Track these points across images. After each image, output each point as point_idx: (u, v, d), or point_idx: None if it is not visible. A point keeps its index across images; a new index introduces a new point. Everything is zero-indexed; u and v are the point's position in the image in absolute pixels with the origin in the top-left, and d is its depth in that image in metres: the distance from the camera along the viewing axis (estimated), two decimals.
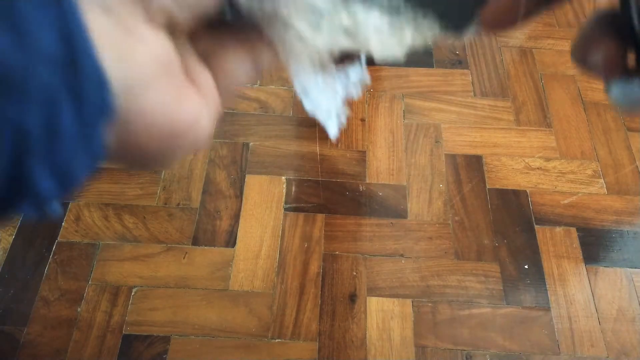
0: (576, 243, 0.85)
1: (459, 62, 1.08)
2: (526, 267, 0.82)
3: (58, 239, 0.83)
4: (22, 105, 0.12)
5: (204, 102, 0.18)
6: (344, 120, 0.24)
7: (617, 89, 0.19)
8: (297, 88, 0.22)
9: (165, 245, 0.83)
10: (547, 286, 0.81)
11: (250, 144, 0.95)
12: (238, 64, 0.19)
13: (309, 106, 0.23)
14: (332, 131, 0.24)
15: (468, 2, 0.20)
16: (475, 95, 1.03)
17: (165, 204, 0.87)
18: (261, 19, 0.19)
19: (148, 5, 0.14)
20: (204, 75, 0.18)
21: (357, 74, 0.23)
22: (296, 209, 0.87)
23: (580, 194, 0.90)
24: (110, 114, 0.13)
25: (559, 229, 0.86)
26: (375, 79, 1.05)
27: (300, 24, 0.18)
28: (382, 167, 0.92)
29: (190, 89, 0.17)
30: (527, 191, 0.90)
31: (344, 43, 0.19)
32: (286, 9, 0.18)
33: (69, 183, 0.13)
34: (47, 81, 0.12)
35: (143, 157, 0.16)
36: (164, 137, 0.15)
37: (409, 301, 0.79)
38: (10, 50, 0.11)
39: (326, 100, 0.23)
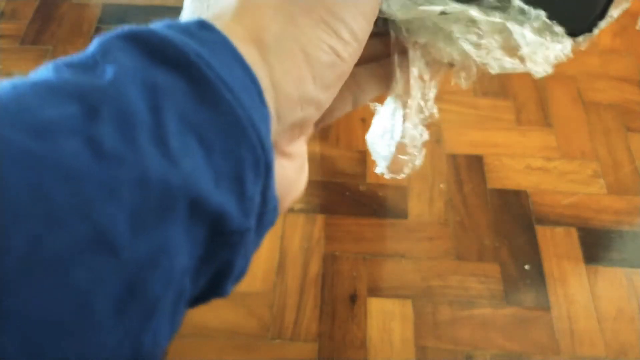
0: (576, 243, 0.85)
1: None
2: (526, 267, 0.82)
3: None
4: (232, 250, 0.14)
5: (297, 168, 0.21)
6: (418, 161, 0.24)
7: None
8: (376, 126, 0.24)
9: None
10: (547, 286, 0.81)
11: None
12: (341, 104, 0.22)
13: (371, 139, 0.24)
14: (379, 168, 0.24)
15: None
16: (475, 94, 1.03)
17: None
18: (410, 28, 0.20)
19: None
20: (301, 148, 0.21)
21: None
22: (296, 209, 0.87)
23: (580, 194, 0.90)
24: (273, 225, 0.17)
25: (559, 229, 0.86)
26: None
27: (462, 37, 0.20)
28: None
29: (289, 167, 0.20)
30: (528, 191, 0.90)
31: (499, 60, 0.21)
32: (447, 21, 0.19)
33: (238, 282, 0.17)
34: (250, 232, 0.15)
35: None
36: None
37: (409, 302, 0.79)
38: (236, 213, 0.14)
39: (388, 141, 0.24)
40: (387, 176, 0.24)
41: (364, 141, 0.95)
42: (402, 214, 0.87)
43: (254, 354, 0.74)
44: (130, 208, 0.11)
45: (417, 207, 0.88)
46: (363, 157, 0.94)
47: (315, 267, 0.81)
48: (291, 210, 0.87)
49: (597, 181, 0.92)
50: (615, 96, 1.03)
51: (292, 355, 0.74)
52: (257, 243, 0.16)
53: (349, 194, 0.89)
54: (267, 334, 0.76)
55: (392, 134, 0.23)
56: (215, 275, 0.15)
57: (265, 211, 0.15)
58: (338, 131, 0.96)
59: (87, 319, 0.11)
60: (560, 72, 1.06)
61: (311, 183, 0.91)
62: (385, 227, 0.86)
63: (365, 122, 0.98)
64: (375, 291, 0.80)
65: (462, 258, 0.83)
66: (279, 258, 0.82)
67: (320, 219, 0.86)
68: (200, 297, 0.15)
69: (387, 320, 0.77)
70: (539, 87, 1.04)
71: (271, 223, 0.16)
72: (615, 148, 0.96)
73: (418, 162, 0.24)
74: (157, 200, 0.11)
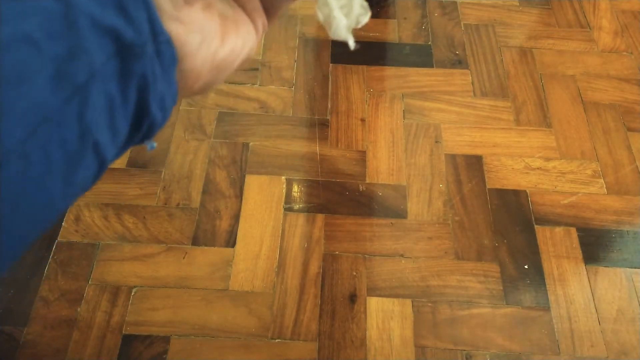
0: (576, 243, 0.85)
1: (459, 62, 1.08)
2: (526, 267, 0.82)
3: (58, 238, 0.83)
4: (141, 62, 0.19)
5: (244, 37, 0.25)
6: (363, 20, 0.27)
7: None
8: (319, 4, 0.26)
9: (165, 245, 0.83)
10: (547, 286, 0.81)
11: (250, 144, 0.95)
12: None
13: (322, 17, 0.26)
14: (351, 42, 0.26)
15: None
16: (475, 95, 1.03)
17: (165, 204, 0.87)
18: None
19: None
20: (242, 18, 0.25)
21: None
22: (296, 209, 0.87)
23: (580, 194, 0.90)
24: (176, 62, 0.21)
25: (558, 229, 0.86)
26: (375, 78, 1.05)
27: None
28: (382, 167, 0.92)
29: (232, 31, 0.24)
30: (527, 191, 0.90)
31: None
32: None
33: (165, 113, 0.21)
34: (148, 46, 0.19)
35: (200, 88, 0.24)
36: (213, 71, 0.23)
37: (408, 301, 0.79)
38: (128, 30, 0.18)
39: (342, 14, 0.26)
40: (351, 41, 0.27)
41: (363, 141, 0.95)
42: (402, 214, 0.87)
43: (254, 353, 0.74)
44: (42, 21, 0.16)
45: (416, 207, 0.88)
46: (363, 157, 0.94)
47: (315, 266, 0.82)
48: (291, 210, 0.87)
49: (597, 181, 0.92)
50: (615, 96, 1.03)
51: (292, 355, 0.74)
52: (168, 82, 0.20)
53: (348, 194, 0.89)
54: (267, 333, 0.76)
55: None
56: (139, 94, 0.19)
57: (159, 41, 0.19)
58: (338, 132, 0.97)
59: (26, 81, 0.15)
60: (560, 72, 1.06)
61: (311, 183, 0.92)
62: (385, 226, 0.86)
63: (365, 122, 0.98)
64: (374, 290, 0.80)
65: (462, 258, 0.83)
66: (279, 258, 0.82)
67: (320, 218, 0.86)
68: (136, 127, 0.20)
69: (386, 320, 0.77)
70: (539, 87, 1.04)
71: (172, 60, 0.20)
72: (615, 148, 0.96)
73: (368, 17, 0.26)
74: (63, 17, 0.17)
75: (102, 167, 0.19)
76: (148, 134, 0.21)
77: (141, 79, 0.19)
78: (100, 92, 0.18)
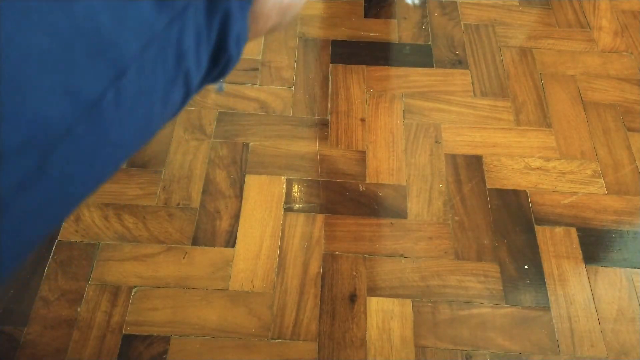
0: (576, 243, 0.85)
1: (459, 62, 1.08)
2: (526, 267, 0.82)
3: (58, 238, 0.83)
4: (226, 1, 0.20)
5: None
6: None
7: None
8: None
9: (165, 245, 0.83)
10: (547, 286, 0.81)
11: (250, 144, 0.95)
12: None
13: None
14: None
15: None
16: (475, 95, 1.03)
17: (165, 204, 0.87)
18: None
19: None
20: None
21: None
22: (296, 209, 0.87)
23: (580, 194, 0.90)
24: (252, 2, 0.22)
25: (558, 229, 0.86)
26: (375, 78, 1.05)
27: None
28: (381, 167, 0.92)
29: None
30: (527, 191, 0.90)
31: None
32: None
33: (240, 50, 0.22)
34: None
35: (268, 29, 0.25)
36: (281, 13, 0.24)
37: (408, 301, 0.79)
38: None
39: None
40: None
41: (363, 141, 0.95)
42: (402, 214, 0.87)
43: (254, 353, 0.74)
44: None
45: (416, 206, 0.88)
46: (363, 157, 0.94)
47: (315, 266, 0.82)
48: (291, 210, 0.87)
49: (597, 181, 0.92)
50: (615, 96, 1.03)
51: (292, 355, 0.74)
52: (243, 21, 0.22)
53: (348, 194, 0.89)
54: (267, 333, 0.76)
55: None
56: (221, 28, 0.21)
57: None
58: (338, 132, 0.97)
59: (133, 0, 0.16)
60: (560, 72, 1.06)
61: (311, 183, 0.92)
62: (385, 226, 0.86)
63: (365, 122, 0.98)
64: (374, 290, 0.80)
65: (462, 258, 0.83)
66: (279, 258, 0.82)
67: (320, 218, 0.86)
68: (215, 62, 0.22)
69: (386, 320, 0.77)
70: (539, 87, 1.04)
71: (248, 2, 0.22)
72: (615, 148, 0.96)
73: None
74: None
75: (187, 96, 0.20)
76: (224, 71, 0.23)
77: (224, 15, 0.20)
78: (193, 21, 0.19)
